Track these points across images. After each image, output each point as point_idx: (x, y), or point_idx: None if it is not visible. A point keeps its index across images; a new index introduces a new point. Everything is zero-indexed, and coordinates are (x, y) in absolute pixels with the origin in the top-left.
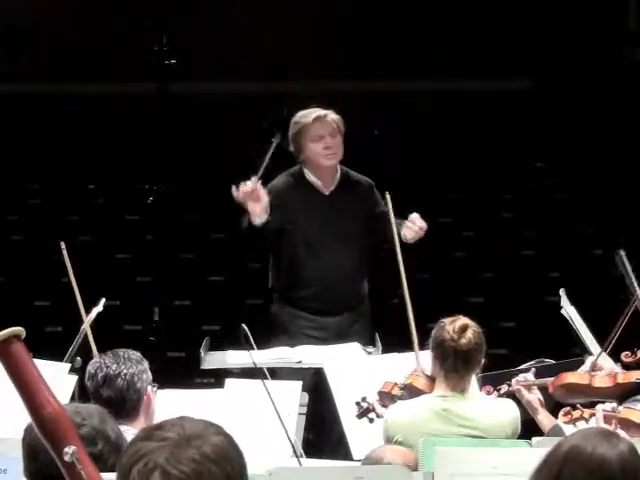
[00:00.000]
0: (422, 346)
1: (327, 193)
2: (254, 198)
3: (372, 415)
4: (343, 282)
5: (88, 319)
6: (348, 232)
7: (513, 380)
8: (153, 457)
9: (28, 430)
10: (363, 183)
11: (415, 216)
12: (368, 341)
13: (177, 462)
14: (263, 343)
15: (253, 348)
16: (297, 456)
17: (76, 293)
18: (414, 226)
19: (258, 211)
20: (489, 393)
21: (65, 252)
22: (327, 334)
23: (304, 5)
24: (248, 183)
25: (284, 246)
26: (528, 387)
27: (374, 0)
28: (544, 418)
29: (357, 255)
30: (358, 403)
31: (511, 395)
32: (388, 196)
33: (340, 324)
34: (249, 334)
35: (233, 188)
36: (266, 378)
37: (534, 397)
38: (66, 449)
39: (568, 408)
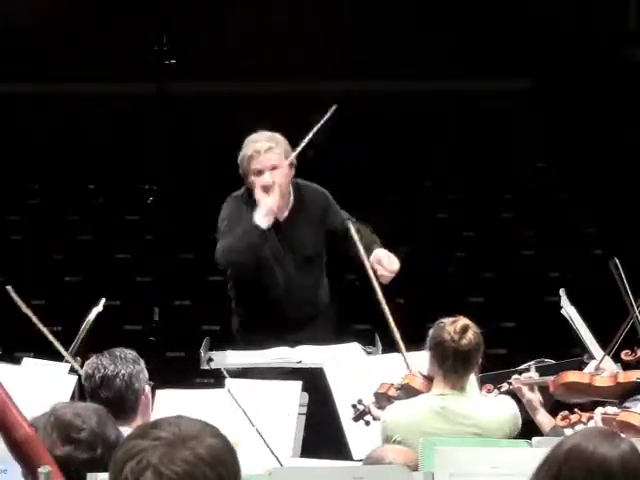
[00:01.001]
0: (422, 346)
1: (281, 219)
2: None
3: (368, 418)
4: (302, 304)
5: (71, 348)
6: (307, 255)
7: (513, 378)
8: (147, 456)
9: None
10: (318, 197)
11: (383, 257)
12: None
13: (170, 462)
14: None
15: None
16: (276, 456)
17: (44, 330)
18: (385, 271)
19: (270, 206)
20: (489, 391)
21: (14, 294)
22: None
23: (304, 5)
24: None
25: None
26: (528, 386)
27: (374, 1)
28: (543, 418)
29: (316, 273)
30: (354, 406)
31: (511, 394)
32: (351, 225)
33: (302, 337)
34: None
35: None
36: (225, 377)
37: (534, 396)
38: (40, 469)
39: (566, 412)
